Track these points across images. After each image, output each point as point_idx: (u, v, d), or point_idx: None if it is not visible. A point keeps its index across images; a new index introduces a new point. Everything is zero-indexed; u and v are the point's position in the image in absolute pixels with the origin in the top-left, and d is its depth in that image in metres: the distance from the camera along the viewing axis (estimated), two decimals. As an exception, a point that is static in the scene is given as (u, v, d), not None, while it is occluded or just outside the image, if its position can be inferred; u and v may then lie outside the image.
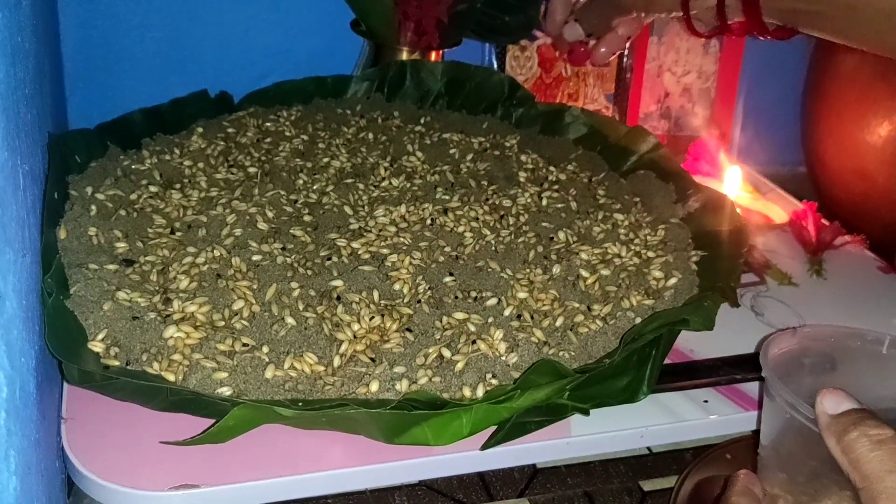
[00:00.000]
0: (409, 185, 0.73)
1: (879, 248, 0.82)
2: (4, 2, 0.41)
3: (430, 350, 0.54)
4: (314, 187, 0.71)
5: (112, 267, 0.57)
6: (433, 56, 0.89)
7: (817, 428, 0.39)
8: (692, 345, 0.64)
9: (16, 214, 0.40)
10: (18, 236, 0.40)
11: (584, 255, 0.65)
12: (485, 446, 0.51)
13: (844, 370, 0.49)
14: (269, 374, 0.51)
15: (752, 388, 0.61)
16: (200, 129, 0.77)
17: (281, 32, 0.91)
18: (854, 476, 0.37)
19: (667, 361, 0.58)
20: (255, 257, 0.60)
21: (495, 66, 0.94)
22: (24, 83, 0.47)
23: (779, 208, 0.88)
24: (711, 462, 0.55)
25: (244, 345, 0.52)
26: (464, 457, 0.52)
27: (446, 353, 0.54)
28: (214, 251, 0.60)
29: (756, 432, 0.59)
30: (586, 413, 0.53)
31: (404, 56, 0.88)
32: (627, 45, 0.78)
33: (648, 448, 0.59)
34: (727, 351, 0.64)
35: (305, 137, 0.79)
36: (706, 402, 0.59)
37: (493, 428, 0.51)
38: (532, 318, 0.58)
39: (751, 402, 0.59)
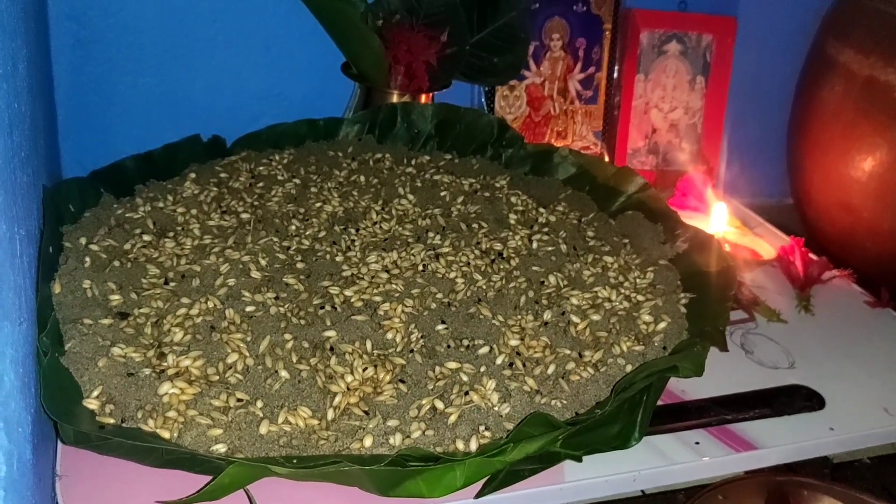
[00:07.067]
0: (400, 229, 0.74)
1: (866, 281, 0.83)
2: (2, 73, 0.41)
3: (424, 402, 0.54)
4: (307, 233, 0.71)
5: (106, 321, 0.57)
6: (423, 98, 0.89)
7: None
8: (683, 385, 0.65)
9: (13, 284, 0.40)
10: (16, 306, 0.41)
11: (574, 301, 0.65)
12: (479, 494, 0.52)
13: None
14: (263, 429, 0.51)
15: (743, 428, 0.61)
16: (193, 175, 0.78)
17: (273, 76, 0.92)
18: None
19: (658, 403, 0.58)
20: (249, 308, 0.60)
21: (485, 106, 0.95)
22: (21, 147, 0.47)
23: (766, 243, 0.89)
24: (704, 503, 0.56)
25: (238, 400, 0.53)
26: (458, 507, 0.52)
27: (439, 404, 0.54)
28: (208, 302, 0.60)
29: (748, 472, 0.60)
30: (579, 460, 0.54)
31: (395, 98, 0.89)
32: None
33: (642, 490, 0.59)
34: (718, 390, 0.64)
35: (298, 181, 0.79)
36: (697, 443, 0.60)
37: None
38: (524, 365, 0.59)
39: (742, 444, 0.60)
